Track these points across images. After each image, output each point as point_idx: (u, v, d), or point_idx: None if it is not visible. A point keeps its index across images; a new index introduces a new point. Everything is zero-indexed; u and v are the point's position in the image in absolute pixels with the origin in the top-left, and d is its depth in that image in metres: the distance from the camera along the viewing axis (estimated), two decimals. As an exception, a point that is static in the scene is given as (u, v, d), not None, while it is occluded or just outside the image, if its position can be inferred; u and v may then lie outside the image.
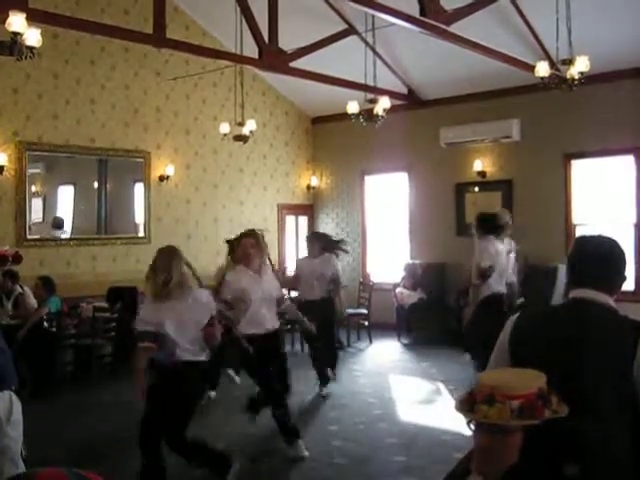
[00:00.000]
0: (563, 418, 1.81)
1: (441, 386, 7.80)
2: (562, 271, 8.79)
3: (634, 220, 9.29)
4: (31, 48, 5.23)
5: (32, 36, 5.24)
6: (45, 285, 8.07)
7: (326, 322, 7.18)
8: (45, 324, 7.92)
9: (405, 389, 7.59)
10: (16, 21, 5.12)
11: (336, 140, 12.40)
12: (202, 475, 4.93)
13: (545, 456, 1.94)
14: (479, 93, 10.40)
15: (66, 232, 9.67)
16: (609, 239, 2.22)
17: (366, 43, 9.40)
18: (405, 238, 11.63)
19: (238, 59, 8.69)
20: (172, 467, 4.60)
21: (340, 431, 6.23)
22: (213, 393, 7.11)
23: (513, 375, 1.95)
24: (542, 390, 1.84)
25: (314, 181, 12.85)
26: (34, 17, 5.66)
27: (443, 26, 6.78)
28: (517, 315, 2.24)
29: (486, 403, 1.80)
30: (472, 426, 1.90)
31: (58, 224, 9.62)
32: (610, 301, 2.14)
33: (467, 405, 1.87)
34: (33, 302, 8.00)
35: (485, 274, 7.14)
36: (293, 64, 8.69)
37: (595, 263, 2.16)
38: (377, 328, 10.58)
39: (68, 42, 9.32)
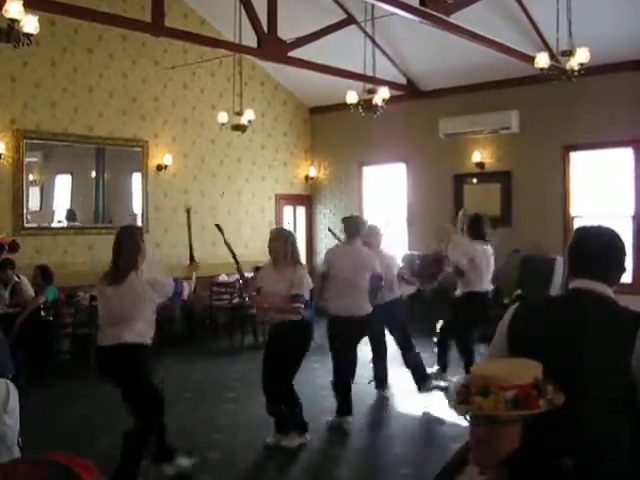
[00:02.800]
0: (561, 408, 1.80)
1: (438, 377, 7.79)
2: (559, 262, 8.80)
3: (632, 212, 9.29)
4: (28, 35, 5.18)
5: (29, 23, 5.18)
6: (43, 274, 8.06)
7: None
8: (42, 313, 7.92)
9: (402, 379, 7.58)
10: (13, 8, 5.07)
11: (335, 130, 12.36)
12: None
13: (543, 447, 1.93)
14: (478, 84, 10.36)
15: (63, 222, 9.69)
16: (609, 230, 2.20)
17: (365, 33, 9.35)
18: (403, 229, 11.61)
19: (237, 48, 8.65)
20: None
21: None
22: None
23: (508, 366, 1.94)
24: (537, 380, 1.82)
25: (312, 171, 12.82)
26: (31, 4, 5.61)
27: (443, 16, 6.74)
28: (516, 305, 2.23)
29: (481, 394, 1.79)
30: (468, 417, 1.89)
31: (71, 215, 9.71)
32: (610, 292, 2.13)
33: (462, 397, 1.86)
34: (30, 291, 8.00)
35: None
36: (292, 54, 8.65)
37: (595, 254, 2.15)
38: (374, 319, 10.55)
39: (66, 30, 9.26)
